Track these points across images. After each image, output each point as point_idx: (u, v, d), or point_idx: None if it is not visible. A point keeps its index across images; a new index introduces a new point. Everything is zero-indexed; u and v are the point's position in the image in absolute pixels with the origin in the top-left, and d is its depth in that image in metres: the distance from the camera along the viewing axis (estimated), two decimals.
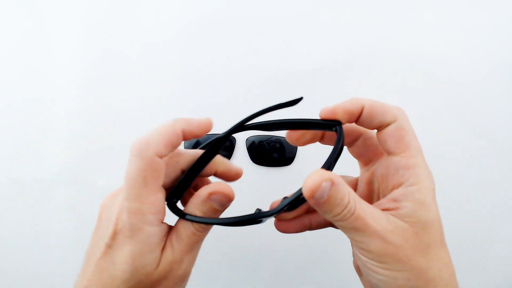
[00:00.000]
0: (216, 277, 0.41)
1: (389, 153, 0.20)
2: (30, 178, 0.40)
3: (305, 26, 0.39)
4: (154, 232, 0.19)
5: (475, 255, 0.40)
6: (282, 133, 0.39)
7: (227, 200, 0.21)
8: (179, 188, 0.22)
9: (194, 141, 0.38)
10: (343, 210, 0.18)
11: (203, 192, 0.20)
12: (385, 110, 0.19)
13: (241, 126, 0.24)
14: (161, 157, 0.19)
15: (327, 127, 0.21)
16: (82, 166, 0.40)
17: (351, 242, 0.20)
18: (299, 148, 0.39)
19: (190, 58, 0.39)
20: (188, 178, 0.22)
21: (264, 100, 0.39)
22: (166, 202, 0.21)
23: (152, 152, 0.18)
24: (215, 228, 0.40)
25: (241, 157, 0.40)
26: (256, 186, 0.40)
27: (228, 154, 0.39)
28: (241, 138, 0.39)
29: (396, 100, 0.39)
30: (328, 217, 0.18)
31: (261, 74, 0.39)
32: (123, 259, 0.19)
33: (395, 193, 0.19)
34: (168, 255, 0.20)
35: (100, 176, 0.40)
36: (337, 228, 0.20)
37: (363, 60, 0.39)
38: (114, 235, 0.19)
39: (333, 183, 0.17)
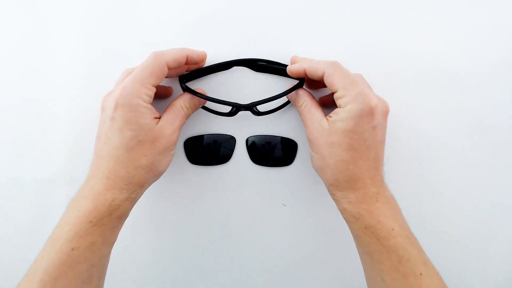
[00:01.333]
0: (215, 279, 0.41)
1: (332, 92, 0.31)
2: (30, 178, 0.40)
3: (305, 26, 0.39)
4: (145, 107, 0.29)
5: (475, 255, 0.40)
6: (281, 134, 0.39)
7: (203, 102, 0.35)
8: (190, 75, 0.36)
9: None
10: (299, 108, 0.34)
11: (190, 95, 0.33)
12: (317, 69, 0.31)
13: (244, 61, 0.38)
14: (167, 66, 0.30)
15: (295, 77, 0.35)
16: (82, 166, 0.40)
17: None
18: (299, 148, 0.39)
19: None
20: (197, 71, 0.36)
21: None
22: (178, 79, 0.34)
23: (164, 58, 0.29)
24: (216, 229, 0.39)
25: (240, 156, 0.40)
26: (256, 185, 0.40)
27: (229, 153, 0.39)
28: (241, 138, 0.39)
29: (396, 100, 0.39)
30: (297, 107, 0.34)
31: None
32: (127, 121, 0.28)
33: (335, 109, 0.30)
34: (164, 123, 0.30)
35: None
36: None
37: (363, 60, 0.39)
38: (116, 108, 0.28)
39: (296, 94, 0.34)
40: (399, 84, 0.39)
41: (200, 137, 0.39)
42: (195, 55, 0.32)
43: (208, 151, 0.39)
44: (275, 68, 0.38)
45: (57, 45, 0.40)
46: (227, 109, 0.36)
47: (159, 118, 0.30)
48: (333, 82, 0.29)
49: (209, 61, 0.38)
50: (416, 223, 0.39)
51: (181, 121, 0.32)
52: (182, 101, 0.32)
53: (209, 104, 0.37)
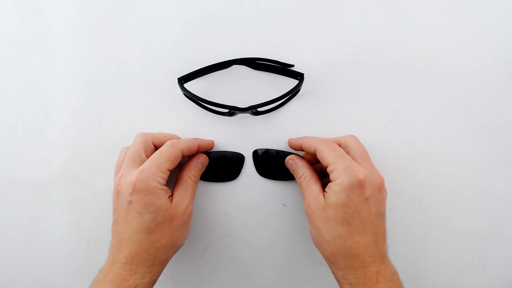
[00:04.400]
0: (215, 279, 0.41)
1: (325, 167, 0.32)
2: (30, 178, 0.40)
3: (305, 26, 0.39)
4: (161, 188, 0.30)
5: (475, 255, 0.40)
6: (287, 148, 0.39)
7: (206, 163, 0.37)
8: (189, 76, 0.36)
9: None
10: (298, 179, 0.35)
11: (194, 159, 0.35)
12: (310, 145, 0.33)
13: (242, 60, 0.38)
14: (182, 154, 0.33)
15: (294, 76, 0.37)
16: (82, 166, 0.40)
17: None
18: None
19: (191, 59, 0.39)
20: (198, 72, 0.37)
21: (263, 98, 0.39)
22: (177, 81, 0.35)
23: (179, 147, 0.32)
24: (216, 229, 0.39)
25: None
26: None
27: (238, 168, 0.39)
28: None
29: (396, 99, 0.39)
30: (296, 179, 0.35)
31: None
32: (145, 204, 0.28)
33: (329, 183, 0.31)
34: (178, 199, 0.31)
35: (100, 176, 0.40)
36: None
37: (362, 59, 0.39)
38: (133, 191, 0.28)
39: (296, 165, 0.35)
40: (399, 83, 0.39)
41: (210, 154, 0.38)
42: (205, 144, 0.36)
43: (216, 167, 0.38)
44: (274, 67, 0.38)
45: (56, 46, 0.40)
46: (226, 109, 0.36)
47: (172, 195, 0.31)
48: (323, 157, 0.31)
49: (209, 61, 0.38)
50: (415, 222, 0.39)
51: (192, 192, 0.33)
52: (188, 172, 0.34)
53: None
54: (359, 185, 0.29)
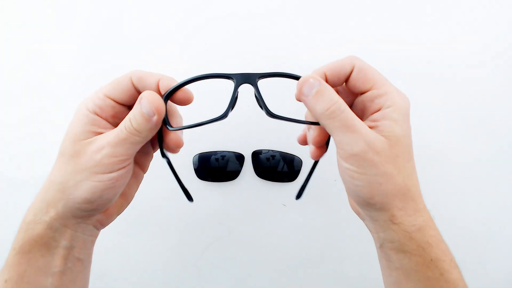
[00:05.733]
0: (215, 279, 0.41)
1: (362, 92, 0.23)
2: (30, 178, 0.40)
3: (306, 26, 0.39)
4: (84, 114, 0.24)
5: (475, 255, 0.40)
6: (287, 149, 0.39)
7: (152, 107, 0.23)
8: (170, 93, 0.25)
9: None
10: (333, 105, 0.22)
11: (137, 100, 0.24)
12: (341, 66, 0.23)
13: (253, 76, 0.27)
14: (132, 82, 0.24)
15: None
16: None
17: (337, 150, 0.23)
18: (304, 163, 0.39)
19: (191, 58, 0.39)
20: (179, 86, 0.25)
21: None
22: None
23: (130, 74, 0.25)
24: (216, 229, 0.39)
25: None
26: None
27: (237, 170, 0.39)
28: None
29: None
30: (320, 113, 0.22)
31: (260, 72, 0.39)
32: (68, 128, 0.24)
33: (375, 115, 0.22)
34: (96, 139, 0.24)
35: None
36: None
37: (363, 59, 0.39)
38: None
39: (321, 82, 0.22)
40: (398, 84, 0.39)
41: (210, 154, 0.39)
42: (166, 79, 0.25)
43: (216, 167, 0.39)
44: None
45: (57, 48, 0.40)
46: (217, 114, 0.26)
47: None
48: (367, 76, 0.23)
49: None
50: None
51: (118, 137, 0.23)
52: (128, 114, 0.24)
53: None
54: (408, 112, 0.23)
